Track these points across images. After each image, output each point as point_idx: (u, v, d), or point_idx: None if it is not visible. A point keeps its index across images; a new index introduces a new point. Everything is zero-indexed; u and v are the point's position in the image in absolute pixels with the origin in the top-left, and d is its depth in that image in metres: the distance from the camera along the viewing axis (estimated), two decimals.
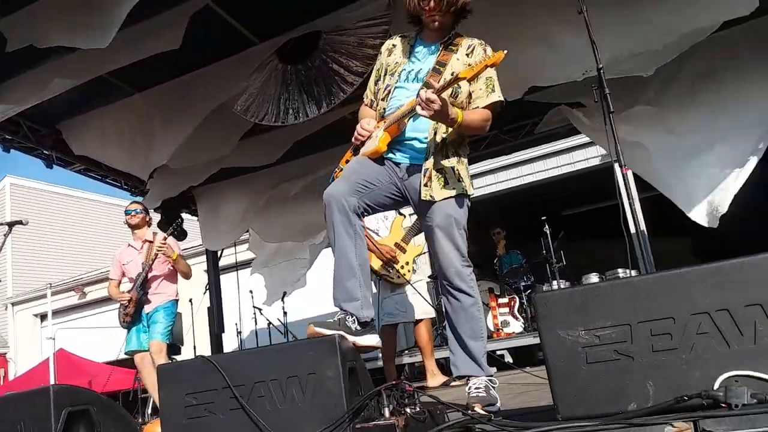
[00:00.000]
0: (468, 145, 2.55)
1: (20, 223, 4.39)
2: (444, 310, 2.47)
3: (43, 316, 16.47)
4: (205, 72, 5.59)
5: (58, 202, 19.45)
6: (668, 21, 3.97)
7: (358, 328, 2.27)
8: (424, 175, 2.38)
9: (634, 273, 8.30)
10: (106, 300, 15.76)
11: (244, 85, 5.64)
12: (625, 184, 2.39)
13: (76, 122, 6.15)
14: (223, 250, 8.88)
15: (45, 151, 6.59)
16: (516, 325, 6.70)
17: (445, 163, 2.40)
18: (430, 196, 2.37)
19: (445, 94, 2.26)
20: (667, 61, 4.14)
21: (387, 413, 1.66)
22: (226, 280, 8.99)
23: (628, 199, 2.38)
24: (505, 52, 2.09)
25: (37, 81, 5.05)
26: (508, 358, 6.78)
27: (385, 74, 2.60)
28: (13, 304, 17.84)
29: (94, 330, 14.18)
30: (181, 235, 6.78)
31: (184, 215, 8.12)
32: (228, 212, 8.02)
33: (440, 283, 2.45)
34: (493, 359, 4.92)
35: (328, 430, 1.83)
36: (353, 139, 2.58)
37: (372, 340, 2.29)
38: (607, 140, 2.48)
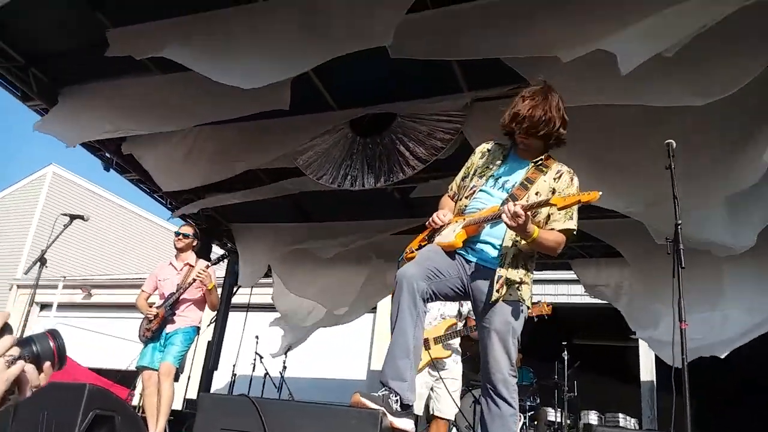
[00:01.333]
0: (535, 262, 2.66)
1: (81, 218, 4.55)
2: (480, 415, 2.50)
3: (44, 306, 16.46)
4: (281, 121, 5.84)
5: (91, 200, 19.83)
6: None
7: (399, 409, 2.30)
8: (497, 282, 2.48)
9: (634, 421, 8.16)
10: (110, 306, 15.82)
11: (311, 143, 5.92)
12: (681, 340, 2.45)
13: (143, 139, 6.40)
14: (238, 288, 8.93)
15: (107, 154, 6.88)
16: None
17: (516, 273, 2.51)
18: (503, 301, 2.47)
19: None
20: None
21: None
22: (233, 318, 8.97)
23: (682, 354, 2.43)
24: (600, 193, 2.22)
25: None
26: None
27: (474, 174, 2.76)
28: (18, 287, 17.91)
29: (89, 333, 14.10)
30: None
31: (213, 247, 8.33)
32: (258, 251, 8.16)
33: (483, 387, 2.49)
34: None
35: None
36: (428, 223, 2.72)
37: (408, 425, 2.31)
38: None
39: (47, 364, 1.01)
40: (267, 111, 5.27)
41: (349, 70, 4.83)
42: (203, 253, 6.80)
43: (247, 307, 9.48)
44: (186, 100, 5.32)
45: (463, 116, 5.30)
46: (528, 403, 7.18)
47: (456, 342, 4.78)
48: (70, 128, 5.80)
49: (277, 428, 2.09)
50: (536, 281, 9.20)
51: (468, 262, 2.60)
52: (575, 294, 10.38)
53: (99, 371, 11.04)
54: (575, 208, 2.55)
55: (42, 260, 4.34)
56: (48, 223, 18.58)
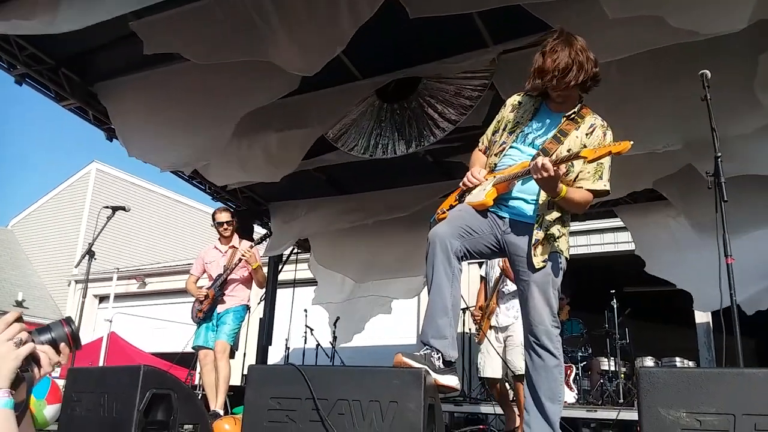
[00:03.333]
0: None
1: (123, 209, 4.69)
2: (525, 367, 2.50)
3: (102, 298, 17.15)
4: (308, 97, 5.82)
5: (135, 193, 20.40)
6: None
7: (442, 366, 2.32)
8: (534, 246, 2.45)
9: (691, 364, 8.04)
10: (164, 293, 16.37)
11: (341, 115, 5.90)
12: (729, 275, 2.37)
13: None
14: (283, 265, 9.10)
15: None
16: (569, 395, 6.52)
17: (553, 228, 2.48)
18: (543, 262, 2.44)
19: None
20: None
21: None
22: (282, 295, 9.17)
23: (730, 290, 2.35)
24: (632, 142, 2.14)
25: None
26: None
27: (504, 129, 2.68)
28: (76, 282, 18.68)
29: (146, 320, 14.65)
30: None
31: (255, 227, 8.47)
32: (295, 226, 8.25)
33: (526, 339, 2.48)
34: None
35: None
36: (461, 184, 2.68)
37: (452, 381, 2.33)
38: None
39: (63, 345, 1.27)
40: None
41: (371, 37, 4.76)
42: (246, 233, 6.95)
43: (294, 283, 9.68)
44: (224, 88, 5.36)
45: (490, 72, 5.16)
46: (579, 354, 7.15)
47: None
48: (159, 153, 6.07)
49: (323, 393, 2.13)
50: (580, 232, 9.12)
51: (501, 218, 2.56)
52: (622, 242, 10.18)
53: (159, 355, 11.51)
54: (606, 167, 2.47)
55: (90, 253, 4.50)
56: (98, 218, 19.22)
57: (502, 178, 2.52)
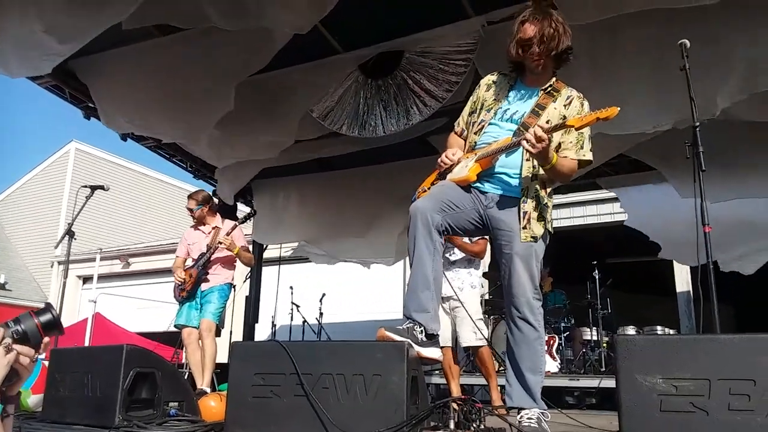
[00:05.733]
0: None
1: (102, 188, 4.62)
2: (506, 339, 2.52)
3: (86, 279, 17.02)
4: (290, 72, 5.74)
5: (117, 172, 20.11)
6: None
7: (424, 339, 2.34)
8: (523, 218, 2.46)
9: (672, 332, 8.21)
10: (148, 273, 16.28)
11: (324, 90, 5.83)
12: (706, 244, 2.40)
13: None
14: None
15: None
16: (552, 365, 6.64)
17: (539, 200, 2.50)
18: (531, 237, 2.46)
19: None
20: None
21: (452, 425, 1.72)
22: (268, 273, 9.16)
23: (707, 258, 2.39)
24: (618, 109, 2.15)
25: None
26: None
27: (481, 108, 2.69)
28: (59, 263, 18.50)
29: (131, 300, 14.59)
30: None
31: (239, 205, 8.40)
32: (278, 205, 8.20)
33: (507, 311, 2.50)
34: None
35: (394, 430, 1.90)
36: (437, 166, 2.67)
37: (435, 353, 2.36)
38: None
39: (45, 340, 1.19)
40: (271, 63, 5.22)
41: (351, 9, 4.69)
42: (229, 212, 6.89)
43: (279, 260, 9.68)
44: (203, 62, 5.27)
45: (474, 45, 5.11)
46: (562, 325, 7.26)
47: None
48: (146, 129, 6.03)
49: (307, 368, 2.15)
50: (563, 204, 9.17)
51: (483, 193, 2.56)
52: (604, 213, 10.29)
53: (144, 334, 11.48)
54: (587, 137, 2.51)
55: (70, 233, 4.45)
56: (78, 199, 19.00)
57: (485, 153, 2.52)
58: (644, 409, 1.59)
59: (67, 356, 2.83)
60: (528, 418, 2.33)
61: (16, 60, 5.00)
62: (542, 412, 2.38)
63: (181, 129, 6.02)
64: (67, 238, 4.46)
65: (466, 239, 4.57)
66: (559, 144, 2.51)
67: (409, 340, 2.23)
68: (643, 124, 4.76)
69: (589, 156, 2.51)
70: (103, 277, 16.26)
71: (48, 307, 1.26)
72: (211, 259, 5.01)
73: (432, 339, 2.38)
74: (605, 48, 4.46)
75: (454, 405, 1.95)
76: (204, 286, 5.00)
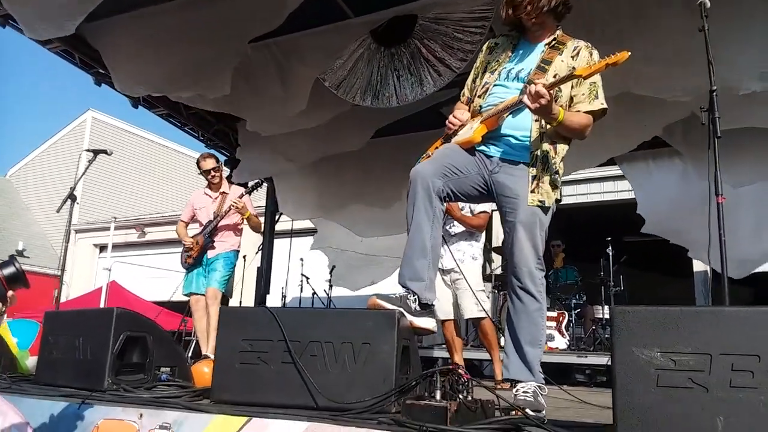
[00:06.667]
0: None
1: (104, 152, 4.58)
2: (507, 310, 2.42)
3: (102, 247, 17.24)
4: (300, 37, 5.62)
5: (133, 142, 20.23)
6: None
7: (418, 308, 2.26)
8: (532, 183, 2.34)
9: None
10: (164, 242, 16.41)
11: (336, 60, 5.69)
12: (718, 215, 2.27)
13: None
14: (280, 215, 9.06)
15: None
16: (560, 341, 6.56)
17: (548, 164, 2.36)
18: (539, 201, 2.33)
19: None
20: None
21: (438, 396, 1.65)
22: (279, 245, 9.16)
23: (719, 230, 2.26)
24: (629, 53, 2.02)
25: None
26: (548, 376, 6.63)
27: (485, 71, 2.56)
28: (76, 232, 18.73)
29: (147, 269, 14.74)
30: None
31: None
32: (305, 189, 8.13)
33: (509, 281, 2.38)
34: None
35: (377, 401, 1.84)
36: (446, 128, 2.56)
37: (429, 323, 2.27)
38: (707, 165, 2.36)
39: (10, 293, 1.25)
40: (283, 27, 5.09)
41: None
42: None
43: (291, 233, 9.67)
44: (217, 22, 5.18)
45: (491, 9, 4.93)
46: (574, 301, 7.15)
47: None
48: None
49: (295, 335, 2.08)
50: (581, 180, 8.94)
51: (489, 157, 2.43)
52: (622, 190, 10.06)
53: (160, 303, 11.60)
54: (600, 85, 2.36)
55: (72, 197, 4.42)
56: (95, 166, 19.17)
57: (490, 113, 2.40)
58: (640, 384, 1.49)
59: (60, 318, 2.81)
60: (524, 391, 2.24)
61: (41, 22, 4.99)
62: (539, 386, 2.28)
63: (196, 88, 5.91)
64: (69, 202, 4.42)
65: (466, 212, 4.47)
66: (571, 98, 2.37)
67: (401, 309, 2.15)
68: (660, 90, 4.58)
69: (603, 105, 2.36)
70: (119, 246, 16.46)
71: (11, 260, 1.24)
72: (218, 226, 4.98)
73: (426, 309, 2.29)
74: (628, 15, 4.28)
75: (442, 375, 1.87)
76: (210, 254, 4.98)
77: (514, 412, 1.93)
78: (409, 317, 2.19)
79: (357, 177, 7.75)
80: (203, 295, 4.93)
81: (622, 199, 10.09)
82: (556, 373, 6.54)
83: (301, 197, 8.22)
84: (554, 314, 6.75)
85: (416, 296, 2.26)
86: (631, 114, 5.25)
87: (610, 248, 7.00)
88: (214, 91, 5.77)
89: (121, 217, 16.83)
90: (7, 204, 19.99)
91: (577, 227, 9.32)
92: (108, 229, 14.29)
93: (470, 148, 2.43)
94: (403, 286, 2.30)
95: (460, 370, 1.74)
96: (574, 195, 9.79)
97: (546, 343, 6.59)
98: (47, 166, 20.64)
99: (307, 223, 9.22)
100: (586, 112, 2.34)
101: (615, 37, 4.22)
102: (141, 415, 1.88)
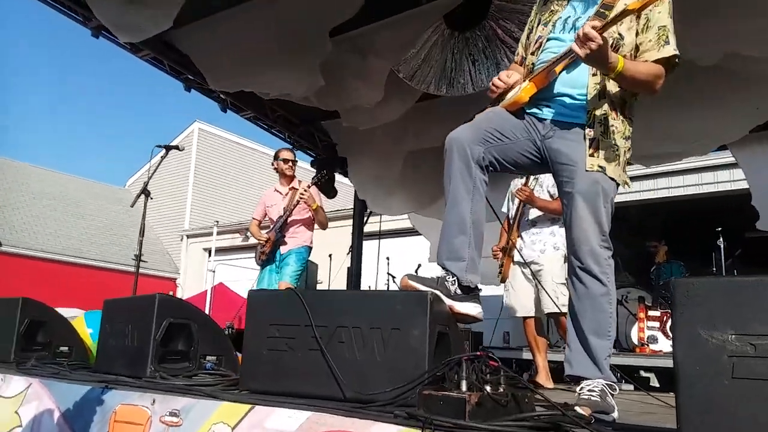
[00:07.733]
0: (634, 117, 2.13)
1: (177, 148, 4.70)
2: (568, 296, 2.10)
3: (211, 251, 18.22)
4: (372, 29, 5.51)
5: (236, 151, 21.22)
6: None
7: (459, 292, 2.00)
8: (590, 147, 2.01)
9: None
10: None
11: (409, 45, 5.53)
12: None
13: None
14: (368, 217, 9.04)
15: (221, 95, 7.05)
16: (665, 344, 5.92)
17: (610, 125, 2.02)
18: (599, 166, 2.00)
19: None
20: None
21: (464, 386, 1.41)
22: (368, 246, 9.20)
23: None
24: None
25: None
26: (653, 382, 5.99)
27: (538, 24, 2.26)
28: (187, 237, 19.90)
29: (246, 270, 15.31)
30: (329, 191, 6.94)
31: (337, 176, 8.36)
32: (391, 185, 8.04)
33: (569, 263, 2.07)
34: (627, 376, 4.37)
35: (399, 392, 1.62)
36: (488, 92, 2.26)
37: (472, 309, 2.00)
38: None
39: None
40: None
41: None
42: (328, 185, 6.88)
43: (379, 234, 9.66)
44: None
45: None
46: None
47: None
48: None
49: (323, 320, 1.91)
50: (687, 170, 8.18)
51: (540, 120, 2.12)
52: (738, 179, 9.05)
53: None
54: (670, 28, 1.99)
55: (146, 192, 4.57)
56: (202, 175, 20.32)
57: (539, 69, 2.10)
58: (710, 376, 1.16)
59: (115, 306, 2.83)
60: (589, 390, 1.92)
61: (125, 28, 5.27)
62: (608, 384, 1.96)
63: (284, 81, 5.95)
64: (143, 197, 4.58)
65: (546, 196, 4.10)
66: (637, 47, 2.03)
67: (437, 291, 1.91)
68: None
69: (675, 51, 1.97)
70: (225, 250, 17.27)
71: None
72: (288, 221, 4.97)
73: (469, 292, 2.03)
74: None
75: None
76: (283, 249, 5.02)
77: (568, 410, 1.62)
78: (448, 301, 1.94)
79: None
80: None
81: (738, 189, 9.09)
82: (664, 381, 5.92)
83: (389, 194, 8.13)
84: (657, 313, 6.12)
85: (455, 278, 2.01)
86: (738, 94, 4.67)
87: (720, 239, 6.25)
88: (307, 85, 5.79)
89: (228, 222, 17.65)
90: (128, 213, 21.58)
91: (678, 221, 8.48)
92: (215, 234, 15.02)
93: (518, 111, 2.14)
94: (441, 266, 2.05)
95: (488, 357, 1.48)
96: (680, 187, 8.90)
97: (648, 345, 6.02)
98: (159, 177, 22.12)
99: (393, 224, 9.15)
100: (655, 61, 1.99)
101: None
102: (154, 401, 1.81)
